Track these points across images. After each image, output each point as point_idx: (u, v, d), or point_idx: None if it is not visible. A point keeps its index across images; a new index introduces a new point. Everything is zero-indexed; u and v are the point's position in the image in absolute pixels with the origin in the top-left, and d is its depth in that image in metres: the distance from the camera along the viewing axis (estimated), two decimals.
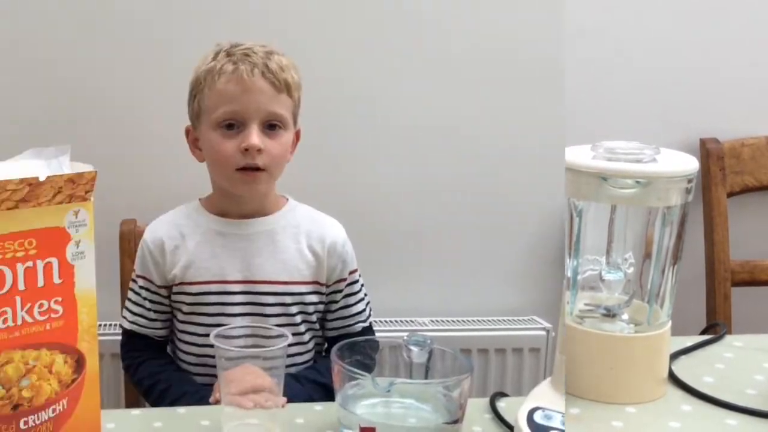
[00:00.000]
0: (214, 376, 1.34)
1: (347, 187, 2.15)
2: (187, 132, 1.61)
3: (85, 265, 1.06)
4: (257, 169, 1.50)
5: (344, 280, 1.62)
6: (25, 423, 1.02)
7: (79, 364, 1.07)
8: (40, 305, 1.02)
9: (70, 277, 1.05)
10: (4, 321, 1.00)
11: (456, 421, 1.08)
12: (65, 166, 1.07)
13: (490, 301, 2.29)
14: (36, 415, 1.03)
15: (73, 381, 1.06)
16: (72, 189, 1.03)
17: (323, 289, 1.60)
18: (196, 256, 1.57)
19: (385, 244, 2.19)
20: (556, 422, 1.04)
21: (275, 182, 1.61)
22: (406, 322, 2.19)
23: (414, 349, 1.15)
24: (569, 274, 1.20)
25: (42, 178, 1.00)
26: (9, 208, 0.98)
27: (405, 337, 1.16)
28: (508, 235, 2.27)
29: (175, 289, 1.59)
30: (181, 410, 1.28)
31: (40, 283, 1.02)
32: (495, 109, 2.18)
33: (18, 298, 1.01)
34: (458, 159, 2.20)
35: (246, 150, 1.47)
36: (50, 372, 1.04)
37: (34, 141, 1.12)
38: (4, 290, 0.99)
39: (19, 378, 1.01)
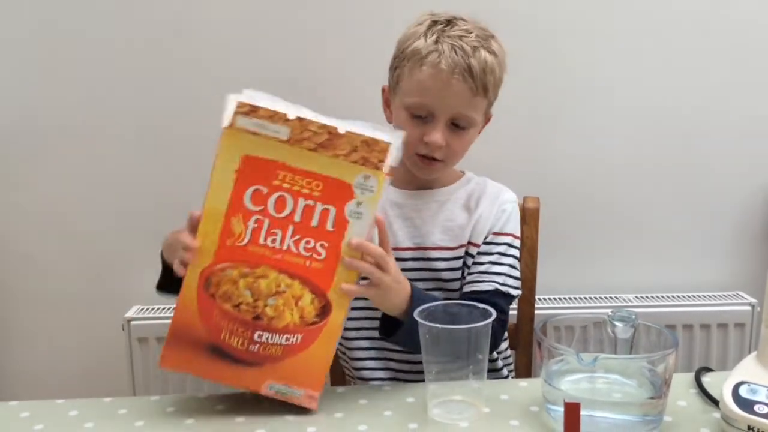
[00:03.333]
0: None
1: (555, 165, 2.20)
2: (383, 90, 1.66)
3: (360, 224, 1.18)
4: (435, 159, 1.55)
5: (488, 242, 1.59)
6: (259, 336, 1.18)
7: (324, 311, 1.19)
8: (307, 242, 1.17)
9: (341, 230, 1.18)
10: (272, 241, 1.16)
11: (661, 396, 1.12)
12: (368, 130, 1.19)
13: (695, 277, 2.30)
14: (270, 334, 1.18)
15: (314, 323, 1.19)
16: (367, 152, 1.16)
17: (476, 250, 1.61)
18: None
19: (590, 221, 2.25)
20: (761, 396, 1.07)
21: None
22: (611, 298, 2.22)
23: (618, 324, 1.19)
24: None
25: (341, 131, 1.15)
26: (309, 149, 1.15)
27: (609, 313, 1.21)
28: (713, 210, 2.27)
29: None
30: (387, 387, 1.35)
31: (314, 222, 1.17)
32: (701, 86, 2.19)
33: (291, 227, 1.17)
34: (664, 135, 2.22)
35: (427, 143, 1.52)
36: (296, 304, 1.17)
37: None
38: (282, 214, 1.16)
39: (268, 295, 1.16)
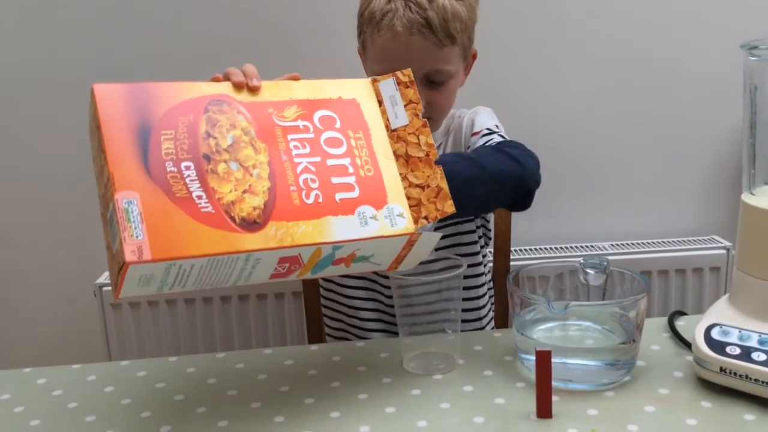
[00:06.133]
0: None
1: (526, 115, 2.19)
2: (359, 53, 1.60)
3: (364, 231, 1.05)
4: None
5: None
6: (186, 168, 0.97)
7: (251, 227, 0.97)
8: (312, 180, 1.03)
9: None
10: (296, 146, 1.04)
11: (633, 341, 1.13)
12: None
13: (669, 223, 2.32)
14: (194, 180, 0.96)
15: (230, 217, 0.96)
16: (428, 199, 1.09)
17: None
18: None
19: (563, 171, 2.25)
20: (733, 338, 1.08)
21: None
22: (587, 247, 2.24)
23: (590, 272, 1.20)
24: (746, 150, 1.18)
25: (434, 161, 1.11)
26: (396, 152, 1.11)
27: (581, 261, 1.21)
28: (685, 156, 2.29)
29: None
30: (360, 343, 1.36)
31: (335, 180, 1.04)
32: (675, 28, 2.20)
33: (318, 159, 1.04)
34: (633, 82, 2.22)
35: None
36: (243, 191, 0.98)
37: None
38: (328, 148, 1.06)
39: (238, 159, 1.00)
